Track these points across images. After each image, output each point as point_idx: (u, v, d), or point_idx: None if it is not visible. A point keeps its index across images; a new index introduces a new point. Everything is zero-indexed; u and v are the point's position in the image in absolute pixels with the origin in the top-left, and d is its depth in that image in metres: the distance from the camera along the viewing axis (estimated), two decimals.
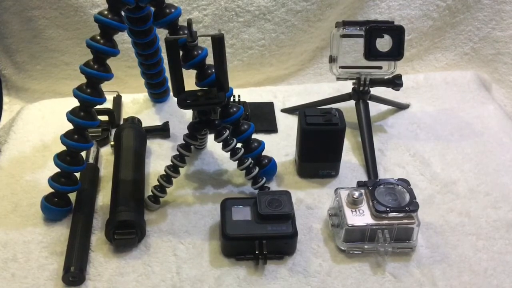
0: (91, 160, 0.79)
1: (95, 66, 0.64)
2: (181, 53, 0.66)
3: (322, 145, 0.75)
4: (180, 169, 0.73)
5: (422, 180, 0.79)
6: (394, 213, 0.65)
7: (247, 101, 0.93)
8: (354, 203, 0.67)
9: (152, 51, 0.82)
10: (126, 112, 0.93)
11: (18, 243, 0.68)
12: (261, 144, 0.76)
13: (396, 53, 0.79)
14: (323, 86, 1.01)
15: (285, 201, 0.67)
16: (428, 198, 0.76)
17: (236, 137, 0.73)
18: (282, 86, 1.05)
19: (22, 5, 0.95)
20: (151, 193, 0.73)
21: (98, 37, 0.63)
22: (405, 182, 0.69)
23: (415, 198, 0.66)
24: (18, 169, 0.80)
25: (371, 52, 0.79)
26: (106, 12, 0.63)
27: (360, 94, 0.85)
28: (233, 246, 0.66)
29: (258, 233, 0.65)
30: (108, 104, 0.91)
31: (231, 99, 0.85)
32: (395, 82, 0.84)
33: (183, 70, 0.66)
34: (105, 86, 0.67)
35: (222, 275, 0.65)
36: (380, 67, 0.83)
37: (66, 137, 0.67)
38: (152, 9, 0.67)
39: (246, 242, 0.65)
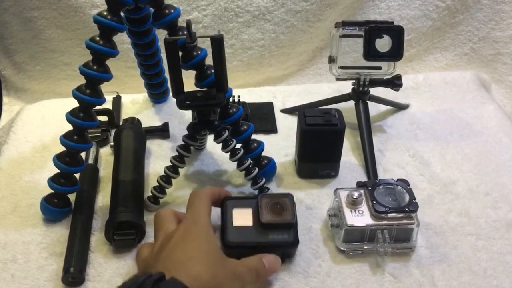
0: (90, 161, 0.79)
1: (95, 67, 0.64)
2: (180, 53, 0.66)
3: (321, 145, 0.75)
4: (180, 169, 0.73)
5: (422, 181, 0.79)
6: (394, 214, 0.65)
7: (247, 101, 0.93)
8: (353, 204, 0.67)
9: (151, 52, 0.82)
10: (126, 112, 0.93)
11: (18, 244, 0.68)
12: (260, 145, 0.76)
13: (395, 53, 0.79)
14: (322, 86, 1.01)
15: (288, 206, 0.66)
16: (427, 198, 0.76)
17: (235, 137, 0.73)
18: (281, 86, 1.04)
19: (22, 5, 0.95)
20: (150, 194, 0.73)
21: (98, 38, 0.63)
22: (404, 183, 0.69)
23: (415, 199, 0.66)
24: (17, 170, 0.80)
25: (370, 53, 0.79)
26: (105, 13, 0.63)
27: (360, 95, 0.85)
28: (233, 253, 0.65)
29: (259, 242, 0.64)
30: (108, 105, 0.91)
31: (231, 100, 0.85)
32: (395, 83, 0.84)
33: (183, 70, 0.66)
34: (104, 87, 0.67)
35: None
36: (380, 68, 0.83)
37: (65, 138, 0.67)
38: (152, 9, 0.67)
39: (246, 250, 0.64)
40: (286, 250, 0.66)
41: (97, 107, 0.67)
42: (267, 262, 0.60)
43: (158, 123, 0.89)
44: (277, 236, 0.64)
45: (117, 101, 0.94)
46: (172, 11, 0.65)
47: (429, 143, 0.87)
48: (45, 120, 0.91)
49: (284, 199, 0.67)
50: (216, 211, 0.71)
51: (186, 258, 0.53)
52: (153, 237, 0.69)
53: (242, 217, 0.66)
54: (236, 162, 0.73)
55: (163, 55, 0.66)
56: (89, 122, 0.66)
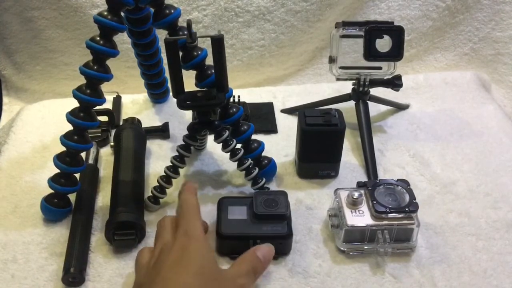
0: (91, 161, 0.79)
1: (95, 67, 0.64)
2: (180, 53, 0.66)
3: (321, 145, 0.75)
4: (180, 169, 0.73)
5: (422, 181, 0.79)
6: (394, 214, 0.65)
7: (247, 101, 0.93)
8: (353, 204, 0.67)
9: (151, 52, 0.82)
10: (126, 112, 0.93)
11: (18, 244, 0.68)
12: (260, 145, 0.76)
13: (395, 53, 0.79)
14: (322, 86, 1.01)
15: (281, 201, 0.67)
16: (427, 198, 0.76)
17: (235, 137, 0.73)
18: (281, 86, 1.04)
19: (22, 5, 0.95)
20: (150, 194, 0.73)
21: (98, 38, 0.63)
22: (404, 183, 0.69)
23: (415, 199, 0.66)
24: (17, 170, 0.80)
25: (370, 53, 0.79)
26: (105, 13, 0.63)
27: (360, 95, 0.85)
28: (227, 245, 0.66)
29: (253, 233, 0.65)
30: (108, 105, 0.91)
31: (231, 100, 0.85)
32: (395, 83, 0.84)
33: (183, 70, 0.66)
34: (104, 87, 0.67)
35: None
36: (380, 68, 0.83)
37: (65, 138, 0.67)
38: (152, 10, 0.67)
39: (240, 241, 0.64)
40: (280, 243, 0.66)
41: (97, 107, 0.67)
42: (261, 255, 0.59)
43: (158, 123, 0.89)
44: (271, 228, 0.65)
45: (117, 101, 0.94)
46: (172, 11, 0.65)
47: (429, 143, 0.87)
48: (45, 120, 0.91)
49: (278, 195, 0.68)
50: (212, 214, 0.71)
51: None
52: (153, 238, 0.69)
53: (237, 212, 0.67)
54: (236, 162, 0.73)
55: (163, 55, 0.66)
56: (89, 122, 0.66)
